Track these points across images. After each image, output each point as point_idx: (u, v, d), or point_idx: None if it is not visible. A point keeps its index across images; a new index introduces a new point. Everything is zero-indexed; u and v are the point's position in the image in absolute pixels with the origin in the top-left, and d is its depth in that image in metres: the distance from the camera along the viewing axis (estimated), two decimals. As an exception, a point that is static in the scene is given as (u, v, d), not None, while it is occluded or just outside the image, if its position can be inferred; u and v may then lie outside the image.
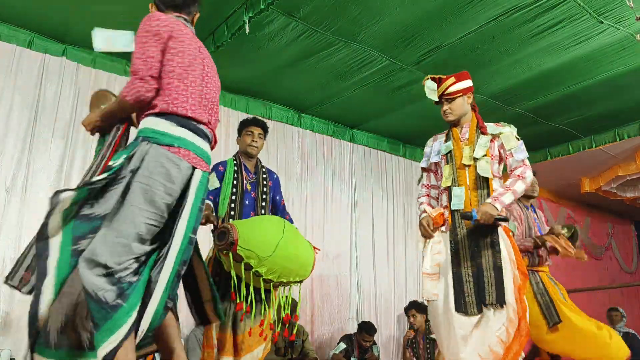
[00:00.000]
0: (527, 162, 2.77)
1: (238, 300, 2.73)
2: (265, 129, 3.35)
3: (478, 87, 5.20)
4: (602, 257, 9.03)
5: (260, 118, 3.43)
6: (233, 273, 2.66)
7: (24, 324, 4.25)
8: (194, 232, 1.96)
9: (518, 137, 2.84)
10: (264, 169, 3.33)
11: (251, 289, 2.75)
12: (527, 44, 4.43)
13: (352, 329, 5.57)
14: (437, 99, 2.97)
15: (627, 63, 4.71)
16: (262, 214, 3.16)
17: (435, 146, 3.03)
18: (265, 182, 3.27)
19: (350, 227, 6.03)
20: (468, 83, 2.93)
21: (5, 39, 4.28)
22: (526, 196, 3.86)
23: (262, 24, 4.12)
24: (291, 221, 3.21)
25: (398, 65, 4.82)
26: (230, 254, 2.65)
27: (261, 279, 2.73)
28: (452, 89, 2.90)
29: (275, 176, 3.40)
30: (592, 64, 4.75)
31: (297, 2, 3.92)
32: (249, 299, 2.73)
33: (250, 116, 3.56)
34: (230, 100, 5.41)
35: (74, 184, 4.33)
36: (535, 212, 3.94)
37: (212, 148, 2.13)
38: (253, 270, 2.68)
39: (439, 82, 2.96)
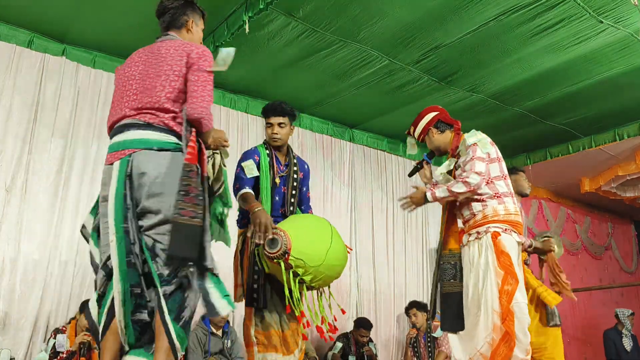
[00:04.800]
0: (476, 166, 2.78)
1: (287, 303, 2.70)
2: (286, 114, 3.01)
3: (478, 86, 5.21)
4: (602, 257, 9.02)
5: (279, 103, 3.06)
6: (285, 280, 2.61)
7: (24, 324, 4.24)
8: (125, 220, 2.01)
9: (472, 141, 2.86)
10: (295, 160, 3.09)
11: (300, 294, 2.74)
12: (527, 43, 4.43)
13: (352, 328, 5.57)
14: (415, 151, 3.26)
15: (627, 63, 4.71)
16: (290, 211, 3.00)
17: None
18: (295, 176, 3.04)
19: (350, 226, 6.02)
20: (425, 121, 3.08)
21: (4, 38, 4.28)
22: (518, 193, 3.88)
23: (261, 24, 4.12)
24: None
25: (398, 65, 4.82)
26: (282, 263, 2.57)
27: (304, 286, 2.70)
28: (416, 135, 3.12)
29: (306, 167, 3.19)
30: (592, 64, 4.75)
31: (296, 1, 3.92)
32: (295, 301, 2.69)
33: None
34: (230, 100, 5.40)
35: (74, 184, 4.36)
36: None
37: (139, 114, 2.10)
38: (298, 278, 2.63)
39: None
